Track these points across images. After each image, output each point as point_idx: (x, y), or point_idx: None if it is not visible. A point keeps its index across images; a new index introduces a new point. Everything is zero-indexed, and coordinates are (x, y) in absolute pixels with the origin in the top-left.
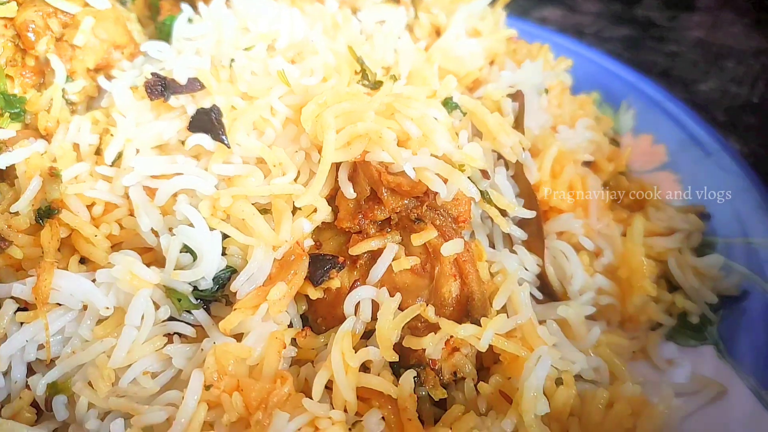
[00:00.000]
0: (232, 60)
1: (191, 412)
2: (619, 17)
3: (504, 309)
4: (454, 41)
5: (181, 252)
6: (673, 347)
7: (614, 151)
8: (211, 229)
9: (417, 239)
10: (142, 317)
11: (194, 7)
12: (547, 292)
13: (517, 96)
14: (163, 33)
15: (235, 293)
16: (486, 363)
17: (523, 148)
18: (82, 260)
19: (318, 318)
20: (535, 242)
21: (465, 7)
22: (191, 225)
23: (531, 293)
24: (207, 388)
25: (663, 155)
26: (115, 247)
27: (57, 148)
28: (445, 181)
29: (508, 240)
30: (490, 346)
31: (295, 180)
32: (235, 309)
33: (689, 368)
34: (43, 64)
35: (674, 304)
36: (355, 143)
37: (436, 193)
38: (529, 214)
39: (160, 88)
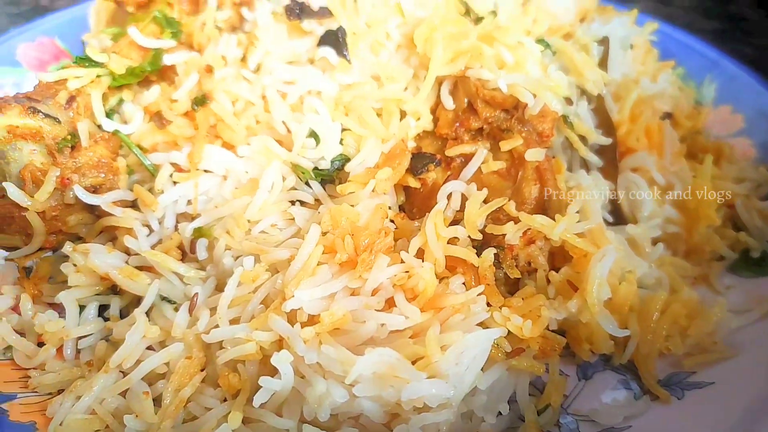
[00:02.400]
0: None
1: (310, 249)
2: (711, 12)
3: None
4: None
5: (307, 137)
6: (733, 277)
7: (694, 111)
8: (333, 120)
9: (505, 145)
10: (273, 184)
11: None
12: (618, 216)
13: (603, 41)
14: None
15: (346, 177)
16: (556, 263)
17: (605, 84)
18: None
19: (413, 208)
20: (610, 170)
21: None
22: (317, 114)
23: (602, 216)
24: (324, 234)
25: (740, 122)
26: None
27: (209, 57)
28: (534, 96)
29: (584, 166)
30: (561, 247)
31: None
32: (350, 180)
33: (744, 293)
34: None
35: (738, 241)
36: (458, 59)
37: (525, 107)
38: (606, 141)
39: (297, 11)
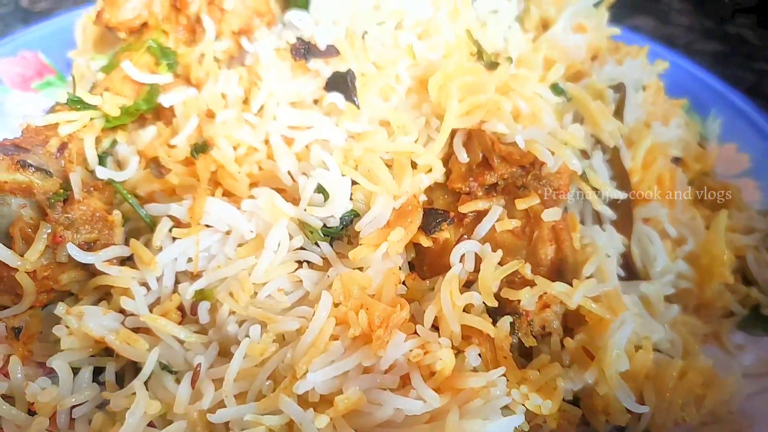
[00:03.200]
0: (365, 32)
1: (322, 323)
2: (710, 32)
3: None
4: (561, 34)
5: (314, 192)
6: (743, 335)
7: (701, 152)
8: (343, 175)
9: (521, 203)
10: (279, 243)
11: None
12: (630, 271)
13: (618, 88)
14: (296, 4)
15: (355, 234)
16: (570, 324)
17: (621, 136)
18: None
19: (425, 265)
20: (624, 223)
21: (575, 4)
22: (326, 169)
23: None
24: (336, 305)
25: (746, 162)
26: (252, 185)
27: (208, 96)
28: (552, 153)
29: (597, 219)
30: (576, 310)
31: (416, 142)
32: (361, 244)
33: (756, 354)
34: (194, 23)
35: (748, 296)
36: (475, 112)
37: (542, 164)
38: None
39: (303, 51)
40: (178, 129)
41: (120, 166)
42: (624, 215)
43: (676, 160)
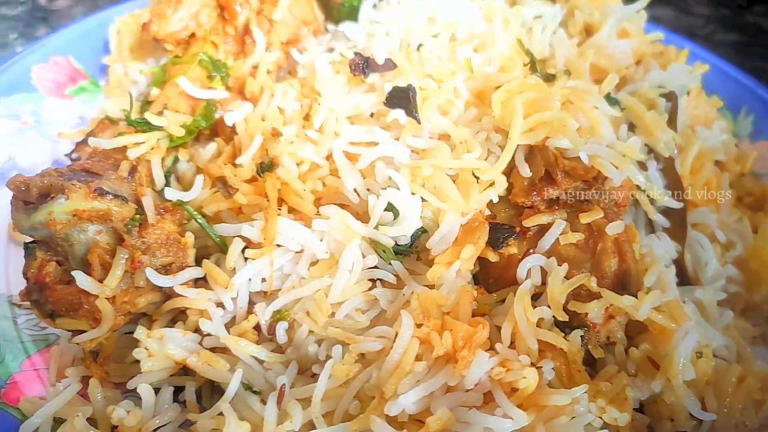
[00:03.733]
0: (420, 44)
1: (406, 344)
2: (729, 22)
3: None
4: (606, 40)
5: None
6: None
7: (740, 153)
8: (412, 193)
9: (585, 218)
10: (353, 263)
11: None
12: (682, 277)
13: (670, 96)
14: (342, 14)
15: (424, 250)
16: (630, 333)
17: (675, 145)
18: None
19: (490, 279)
20: (677, 231)
21: (619, 9)
22: (396, 188)
23: None
24: (418, 326)
25: None
26: (315, 202)
27: (267, 111)
28: (616, 168)
29: (650, 227)
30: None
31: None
32: (435, 263)
33: None
34: (241, 33)
35: None
36: (539, 129)
37: (604, 178)
38: (678, 205)
39: (363, 66)
40: (241, 146)
41: (181, 182)
42: (678, 224)
43: (716, 164)
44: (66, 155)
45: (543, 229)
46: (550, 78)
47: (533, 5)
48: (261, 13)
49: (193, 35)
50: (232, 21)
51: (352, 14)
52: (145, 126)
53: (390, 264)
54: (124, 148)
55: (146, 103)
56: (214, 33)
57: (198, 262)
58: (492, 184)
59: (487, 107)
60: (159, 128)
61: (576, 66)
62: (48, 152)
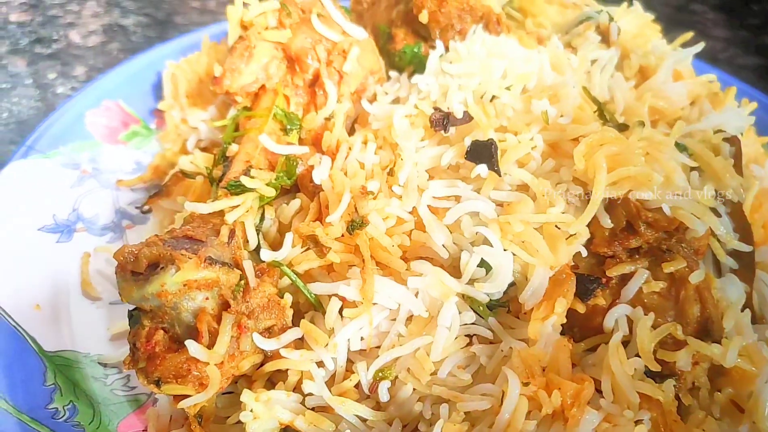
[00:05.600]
0: (494, 96)
1: (515, 403)
2: (748, 45)
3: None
4: (663, 83)
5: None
6: None
7: None
8: (504, 249)
9: (669, 267)
10: (451, 321)
11: (425, 39)
12: (751, 316)
13: (733, 141)
14: (403, 61)
15: (514, 302)
16: (709, 376)
17: (744, 190)
18: None
19: (575, 327)
20: (745, 273)
21: (674, 53)
22: (488, 244)
23: None
24: (525, 384)
25: None
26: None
27: (348, 166)
28: (698, 218)
29: (717, 269)
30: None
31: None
32: (533, 319)
33: None
34: (308, 84)
35: None
36: (623, 183)
37: (686, 228)
38: (747, 248)
39: (443, 121)
40: (327, 203)
41: (265, 239)
42: (747, 266)
43: None
44: (137, 208)
45: (625, 277)
46: (622, 128)
47: (589, 48)
48: (330, 64)
49: (262, 87)
50: (302, 73)
51: (413, 60)
52: (238, 188)
53: (481, 317)
54: (219, 211)
55: (223, 158)
56: (284, 85)
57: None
58: (574, 235)
59: (563, 157)
60: (252, 190)
61: (636, 110)
62: (109, 201)
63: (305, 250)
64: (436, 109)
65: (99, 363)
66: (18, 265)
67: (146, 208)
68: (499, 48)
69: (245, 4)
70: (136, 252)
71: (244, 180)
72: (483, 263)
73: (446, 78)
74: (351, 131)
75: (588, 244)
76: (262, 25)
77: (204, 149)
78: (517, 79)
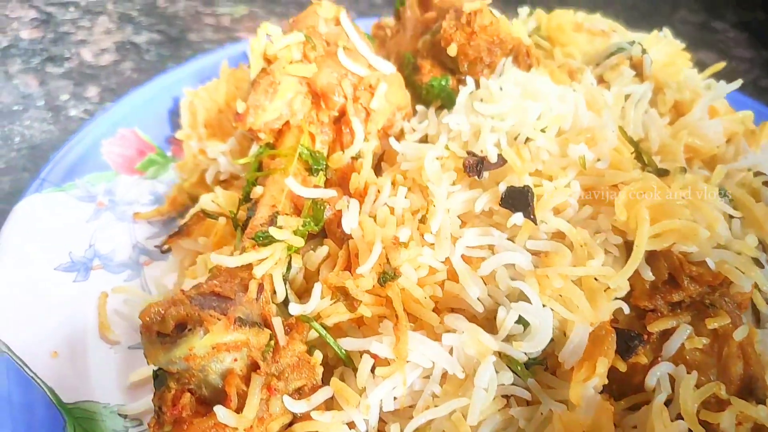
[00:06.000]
0: (528, 138)
1: None
2: None
3: None
4: (699, 120)
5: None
6: None
7: None
8: (543, 305)
9: (712, 323)
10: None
11: (452, 71)
12: None
13: None
14: (431, 95)
15: (552, 359)
16: None
17: None
18: None
19: (613, 385)
20: None
21: (710, 89)
22: (527, 301)
23: None
24: None
25: None
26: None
27: (377, 210)
28: (742, 273)
29: (756, 320)
30: None
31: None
32: (574, 381)
33: None
34: (332, 121)
35: None
36: (667, 236)
37: (729, 282)
38: None
39: (477, 167)
40: (357, 252)
41: (291, 286)
42: None
43: None
44: (156, 247)
45: (666, 333)
46: (662, 173)
47: (622, 82)
48: (357, 100)
49: (286, 123)
50: (329, 110)
51: (441, 94)
52: (266, 239)
53: (522, 378)
54: (247, 264)
55: (246, 198)
56: (309, 122)
57: None
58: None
59: (600, 204)
60: (279, 241)
61: (671, 148)
62: (126, 235)
63: (334, 302)
64: (469, 153)
65: (119, 414)
66: (35, 310)
67: (165, 247)
68: (532, 86)
69: (269, 36)
70: (162, 312)
71: (273, 231)
72: (520, 319)
73: (478, 117)
74: (377, 168)
75: (627, 297)
76: (287, 59)
77: (223, 182)
78: (552, 120)
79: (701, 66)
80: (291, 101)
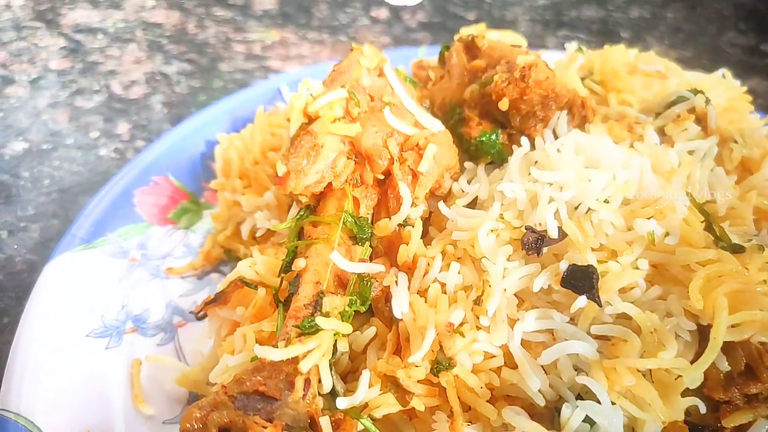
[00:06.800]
0: (590, 209)
1: None
2: None
3: None
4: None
5: None
6: None
7: None
8: (612, 403)
9: None
10: None
11: (502, 125)
12: None
13: None
14: (480, 151)
15: None
16: None
17: None
18: None
19: None
20: None
21: None
22: (595, 400)
23: None
24: None
25: None
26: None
27: (429, 288)
28: None
29: None
30: None
31: None
32: None
33: None
34: (376, 182)
35: None
36: (747, 327)
37: None
38: None
39: (537, 243)
40: (408, 336)
41: (337, 368)
42: None
43: None
44: (191, 313)
45: (741, 428)
46: (736, 248)
47: (684, 135)
48: (404, 162)
49: (328, 185)
50: (374, 173)
51: (491, 150)
52: (312, 328)
53: None
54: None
55: (286, 269)
56: (353, 184)
57: None
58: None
59: (670, 283)
60: (325, 330)
61: (740, 212)
62: (160, 293)
63: (384, 392)
64: (528, 228)
65: None
66: (67, 385)
67: (201, 314)
68: (594, 152)
69: (310, 92)
70: (203, 418)
71: (320, 321)
72: (587, 418)
73: (535, 185)
74: (423, 232)
75: (700, 387)
76: (329, 118)
77: (260, 238)
78: (617, 190)
79: (752, 95)
80: (334, 161)
